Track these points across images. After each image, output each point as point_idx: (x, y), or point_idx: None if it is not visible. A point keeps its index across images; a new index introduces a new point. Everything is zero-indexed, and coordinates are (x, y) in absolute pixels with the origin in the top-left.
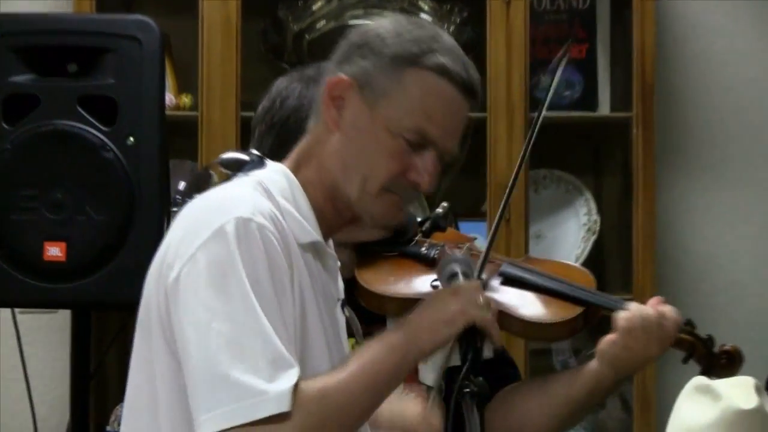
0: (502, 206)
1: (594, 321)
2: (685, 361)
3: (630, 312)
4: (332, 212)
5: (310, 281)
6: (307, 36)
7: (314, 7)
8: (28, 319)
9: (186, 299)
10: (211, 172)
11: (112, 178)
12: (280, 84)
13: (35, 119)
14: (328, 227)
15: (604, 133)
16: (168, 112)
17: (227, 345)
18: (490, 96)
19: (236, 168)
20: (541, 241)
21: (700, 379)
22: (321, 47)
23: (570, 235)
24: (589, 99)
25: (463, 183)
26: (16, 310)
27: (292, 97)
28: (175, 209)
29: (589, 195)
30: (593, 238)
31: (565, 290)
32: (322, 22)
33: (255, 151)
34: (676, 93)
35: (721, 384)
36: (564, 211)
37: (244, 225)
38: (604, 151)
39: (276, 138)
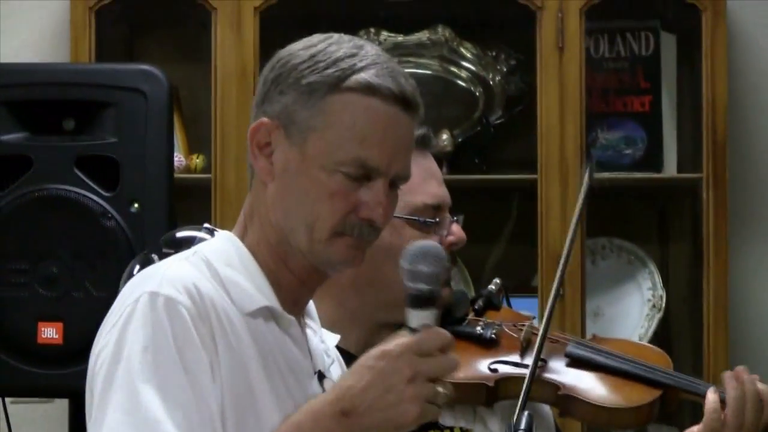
0: (557, 280)
1: (673, 406)
2: None
3: (716, 403)
4: (288, 276)
5: (257, 352)
6: None
7: None
8: (21, 409)
9: (96, 395)
10: (153, 255)
11: (113, 249)
12: None
13: (27, 183)
14: (287, 293)
15: (670, 197)
16: (177, 175)
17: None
18: (541, 155)
19: (182, 246)
20: (600, 319)
21: None
22: None
23: (632, 313)
24: (653, 158)
25: (512, 253)
26: (7, 399)
27: None
28: None
29: (653, 267)
30: (658, 315)
31: (640, 371)
32: None
33: (207, 225)
34: (751, 151)
35: None
36: (625, 285)
37: (150, 299)
38: (670, 217)
39: None
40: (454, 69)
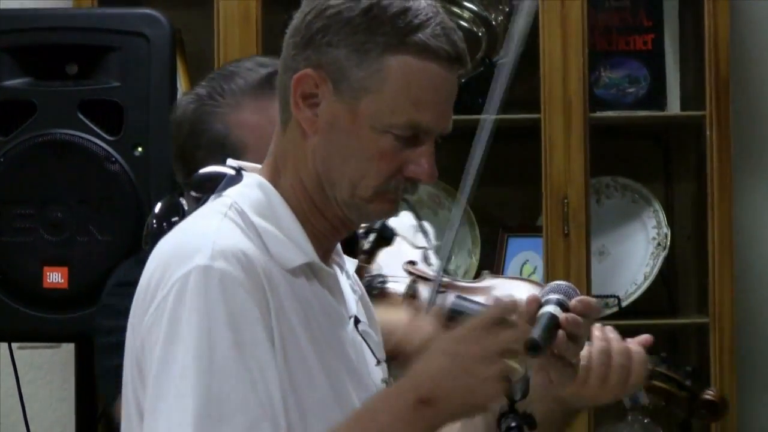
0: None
1: None
2: (665, 407)
3: (595, 346)
4: (323, 222)
5: (299, 309)
6: None
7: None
8: (27, 354)
9: (150, 365)
10: (181, 199)
11: (118, 193)
12: (177, 107)
13: (31, 128)
14: (320, 240)
15: (673, 135)
16: None
17: (171, 426)
18: (544, 94)
19: (208, 188)
20: (605, 258)
21: None
22: None
23: (637, 251)
24: (656, 96)
25: (515, 193)
26: (14, 344)
27: (186, 122)
28: (148, 237)
29: (658, 205)
30: (663, 253)
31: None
32: None
33: (232, 162)
34: (754, 88)
35: None
36: (630, 224)
37: (203, 275)
38: (674, 155)
39: (184, 169)
40: (456, 9)
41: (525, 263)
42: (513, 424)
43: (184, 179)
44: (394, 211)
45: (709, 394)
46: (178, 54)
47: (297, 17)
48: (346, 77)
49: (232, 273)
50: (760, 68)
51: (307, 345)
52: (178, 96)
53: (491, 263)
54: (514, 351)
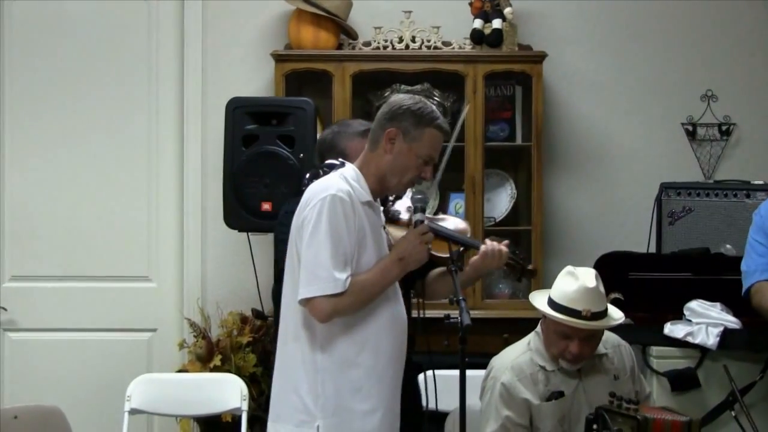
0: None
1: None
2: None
3: (484, 247)
4: (378, 189)
5: (367, 221)
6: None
7: (386, 95)
8: (252, 237)
9: (306, 233)
10: (320, 171)
11: (291, 173)
12: (323, 134)
13: (257, 146)
14: (374, 195)
15: (519, 153)
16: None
17: (318, 256)
18: (467, 136)
19: (330, 168)
20: (489, 202)
21: (569, 268)
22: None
23: (503, 201)
24: (512, 136)
25: (454, 176)
26: (249, 234)
27: (327, 140)
28: (304, 188)
29: (512, 182)
30: (513, 202)
31: (457, 237)
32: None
33: (340, 160)
34: (555, 134)
35: (580, 271)
36: (500, 189)
37: (332, 197)
38: (519, 162)
39: (319, 160)
40: (431, 100)
41: (456, 205)
42: (453, 268)
43: (319, 164)
44: (404, 193)
45: (530, 266)
46: (317, 116)
47: (384, 108)
48: (409, 133)
49: (344, 198)
50: (558, 126)
51: (369, 234)
52: (319, 132)
53: (445, 204)
54: (429, 240)
